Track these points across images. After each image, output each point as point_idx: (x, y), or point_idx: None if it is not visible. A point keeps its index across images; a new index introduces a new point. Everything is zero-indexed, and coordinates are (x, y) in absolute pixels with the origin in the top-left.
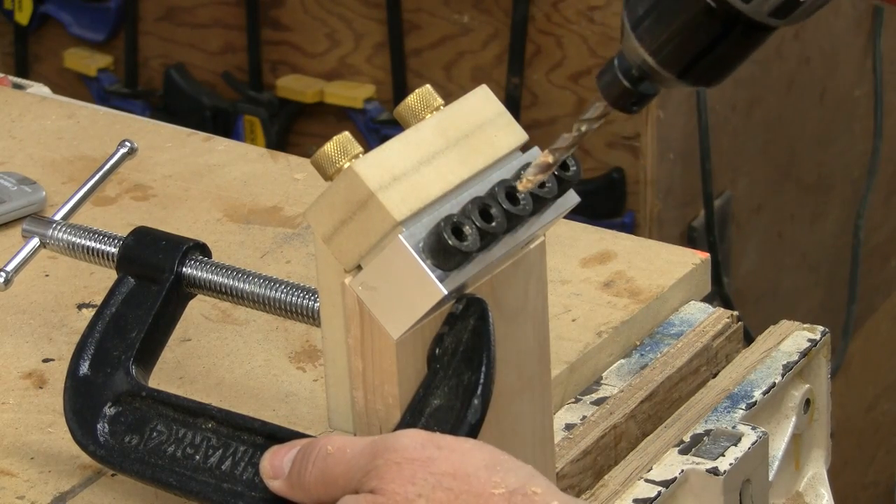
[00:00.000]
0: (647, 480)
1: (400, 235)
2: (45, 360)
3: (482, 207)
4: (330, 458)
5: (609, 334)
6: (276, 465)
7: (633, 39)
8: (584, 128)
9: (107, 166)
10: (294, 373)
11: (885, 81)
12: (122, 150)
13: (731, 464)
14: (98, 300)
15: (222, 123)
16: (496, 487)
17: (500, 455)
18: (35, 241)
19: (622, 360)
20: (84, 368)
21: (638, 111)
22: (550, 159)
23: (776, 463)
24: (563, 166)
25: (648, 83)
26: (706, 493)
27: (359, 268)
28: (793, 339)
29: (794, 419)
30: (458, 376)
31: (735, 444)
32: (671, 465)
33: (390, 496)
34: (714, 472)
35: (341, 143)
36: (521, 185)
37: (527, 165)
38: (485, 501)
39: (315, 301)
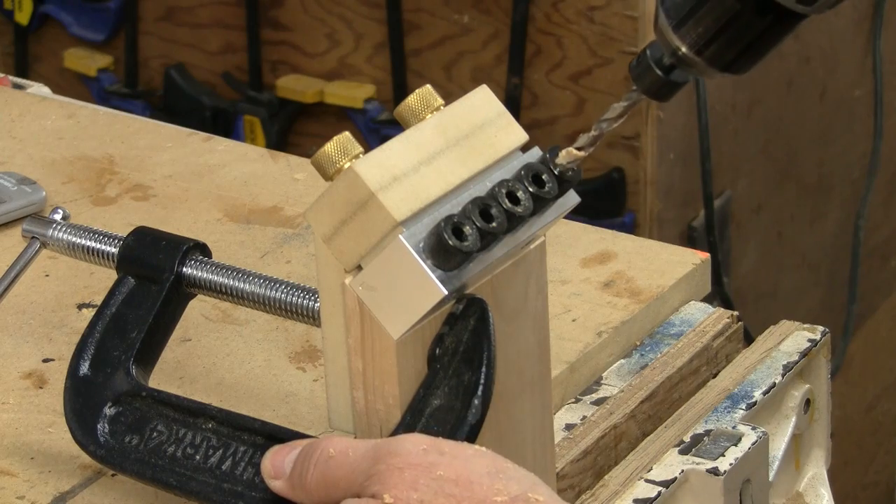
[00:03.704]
0: (647, 480)
1: (400, 236)
2: (45, 360)
3: (482, 207)
4: (332, 461)
5: (609, 334)
6: (277, 465)
7: (666, 27)
8: (617, 114)
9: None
10: (294, 373)
11: (885, 81)
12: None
13: (731, 464)
14: (98, 300)
15: (222, 123)
16: (498, 494)
17: (502, 462)
18: (36, 247)
19: (622, 360)
20: (84, 368)
21: (668, 99)
22: (597, 132)
23: (776, 463)
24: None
25: (679, 71)
26: (706, 493)
27: (359, 268)
28: (793, 339)
29: (794, 419)
30: (458, 376)
31: (735, 445)
32: (671, 465)
33: (392, 501)
34: (714, 472)
35: (342, 143)
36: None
37: (527, 165)
38: None
39: (315, 301)
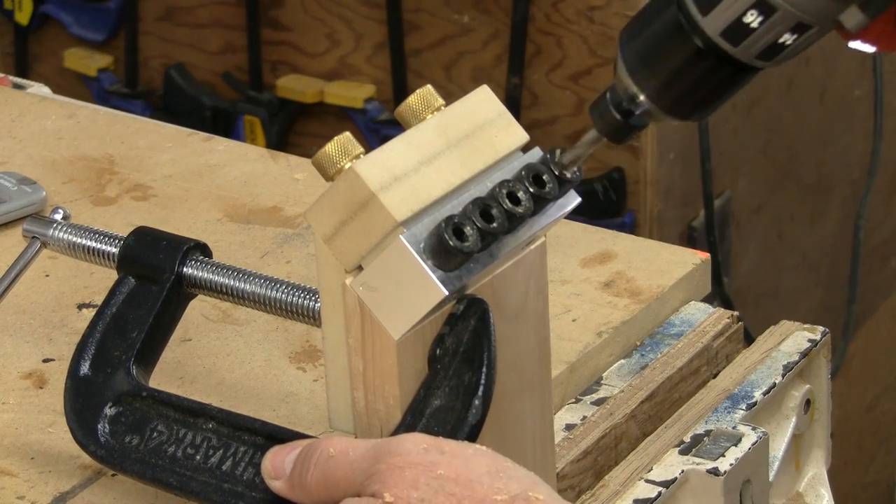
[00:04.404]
0: (647, 481)
1: (401, 236)
2: (45, 360)
3: (483, 208)
4: (332, 461)
5: (609, 334)
6: (277, 465)
7: (624, 74)
8: (575, 156)
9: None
10: (294, 373)
11: (885, 81)
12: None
13: (731, 464)
14: (98, 300)
15: (222, 123)
16: (498, 493)
17: (503, 462)
18: (36, 247)
19: (622, 361)
20: (84, 368)
21: (625, 141)
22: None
23: (776, 463)
24: (565, 168)
25: (638, 116)
26: (706, 493)
27: (359, 268)
28: (793, 339)
29: (794, 419)
30: (458, 377)
31: (735, 445)
32: (671, 465)
33: (393, 500)
34: (714, 472)
35: (342, 143)
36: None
37: (528, 165)
38: None
39: (315, 301)
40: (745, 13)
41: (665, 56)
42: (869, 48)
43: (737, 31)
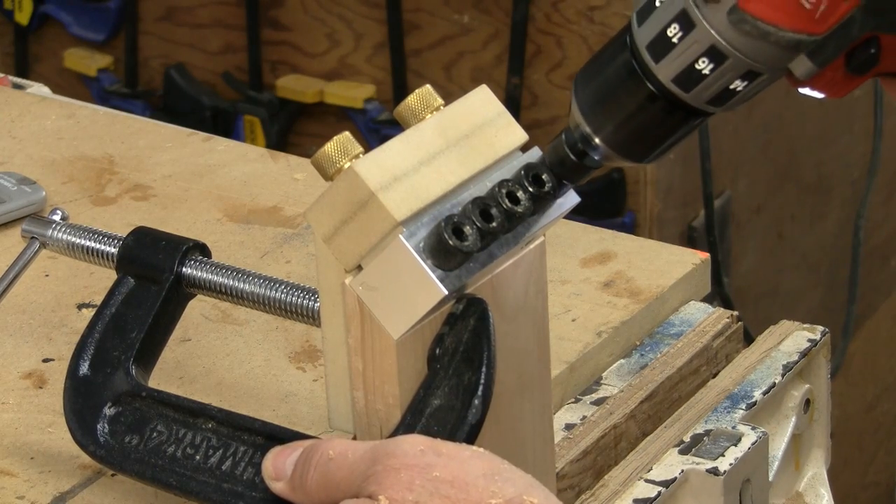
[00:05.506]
0: (647, 480)
1: (400, 235)
2: (45, 360)
3: (482, 208)
4: (332, 463)
5: (609, 334)
6: (278, 466)
7: (579, 116)
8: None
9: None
10: (294, 373)
11: None
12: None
13: (731, 464)
14: (98, 300)
15: (222, 123)
16: (493, 497)
17: (500, 464)
18: (35, 247)
19: (622, 360)
20: (84, 368)
21: (580, 182)
22: None
23: (776, 463)
24: None
25: (592, 158)
26: (706, 493)
27: (359, 268)
28: (793, 339)
29: (794, 419)
30: (458, 376)
31: (735, 444)
32: (671, 465)
33: (387, 502)
34: (714, 472)
35: (342, 143)
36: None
37: (527, 165)
38: None
39: (315, 301)
40: (696, 60)
41: (619, 100)
42: (818, 95)
43: (688, 77)
